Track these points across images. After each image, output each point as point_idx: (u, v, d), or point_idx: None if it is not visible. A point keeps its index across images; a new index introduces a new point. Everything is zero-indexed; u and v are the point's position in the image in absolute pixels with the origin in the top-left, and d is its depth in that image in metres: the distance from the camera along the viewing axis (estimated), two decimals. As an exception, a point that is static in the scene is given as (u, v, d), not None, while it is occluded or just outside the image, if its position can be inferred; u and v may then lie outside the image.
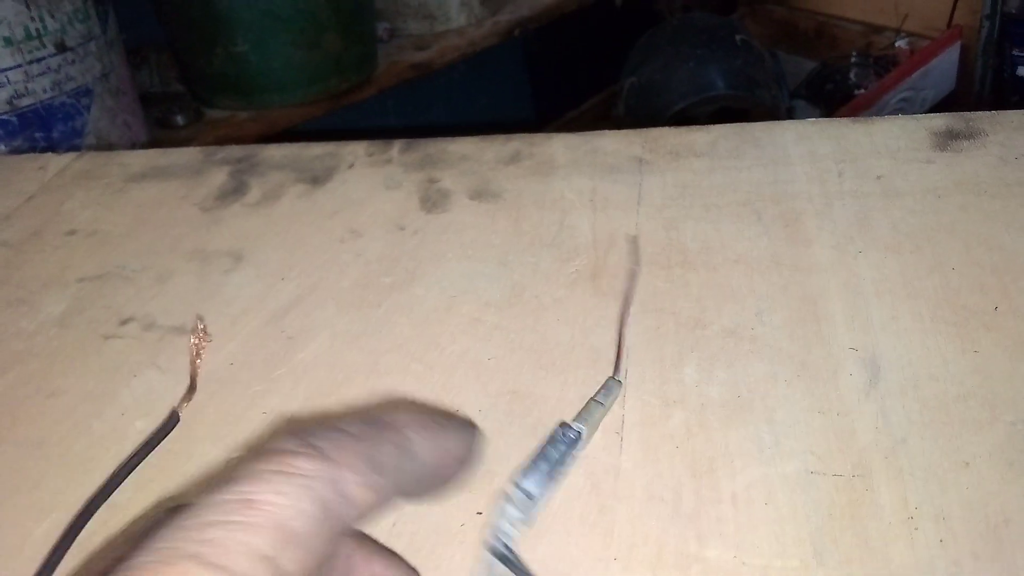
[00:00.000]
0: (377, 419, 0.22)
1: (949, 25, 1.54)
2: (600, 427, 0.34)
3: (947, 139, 0.46)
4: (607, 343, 0.37)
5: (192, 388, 0.35)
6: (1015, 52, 1.70)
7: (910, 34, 1.64)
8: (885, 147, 0.47)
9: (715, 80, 1.45)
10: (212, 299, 0.44)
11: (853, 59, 1.63)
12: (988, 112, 0.48)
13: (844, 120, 0.49)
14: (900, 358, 0.34)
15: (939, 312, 0.36)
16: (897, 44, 1.60)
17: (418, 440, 0.22)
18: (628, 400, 0.35)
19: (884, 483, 0.30)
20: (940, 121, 0.48)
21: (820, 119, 0.50)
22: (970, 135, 0.47)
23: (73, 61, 0.90)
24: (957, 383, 0.33)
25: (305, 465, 0.19)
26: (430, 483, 0.23)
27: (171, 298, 0.44)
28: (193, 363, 0.35)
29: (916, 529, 0.28)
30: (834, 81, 1.61)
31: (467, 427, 0.24)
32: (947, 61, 1.58)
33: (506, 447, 0.34)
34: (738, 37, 1.50)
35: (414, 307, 0.41)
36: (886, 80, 1.51)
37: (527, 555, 0.29)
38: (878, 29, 1.65)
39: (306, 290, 0.43)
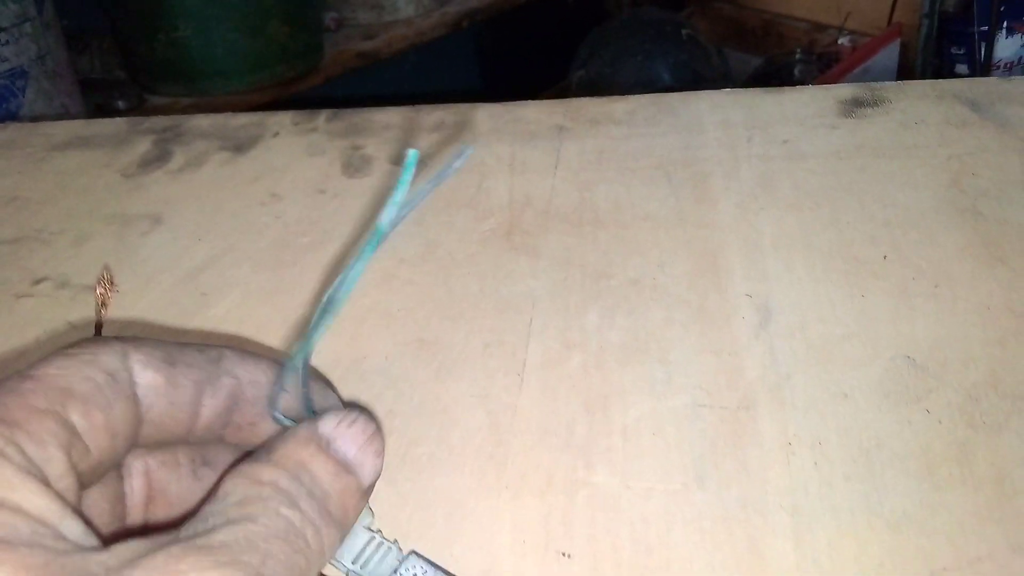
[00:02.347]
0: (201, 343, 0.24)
1: (889, 23, 1.59)
2: (501, 369, 0.34)
3: (853, 107, 0.48)
4: (515, 293, 0.38)
5: (98, 332, 0.35)
6: (953, 50, 1.74)
7: (852, 32, 1.68)
8: (794, 114, 0.48)
9: (661, 74, 1.47)
10: (128, 259, 0.44)
11: (797, 56, 1.67)
12: (894, 82, 0.50)
13: (757, 90, 0.51)
14: (791, 303, 0.36)
15: (831, 263, 0.38)
16: (840, 41, 1.64)
17: (232, 357, 0.24)
18: (531, 345, 0.35)
19: (767, 415, 0.31)
20: (847, 90, 0.50)
21: (735, 90, 0.51)
22: (875, 103, 0.48)
23: (7, 42, 0.89)
24: (843, 325, 0.34)
25: (93, 346, 0.21)
26: (249, 403, 0.24)
27: (87, 259, 0.44)
28: (98, 312, 0.35)
29: (793, 454, 0.29)
30: (779, 77, 1.65)
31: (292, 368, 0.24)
32: (887, 58, 1.62)
33: (409, 389, 0.34)
34: (684, 32, 1.53)
35: (328, 265, 0.42)
36: (828, 76, 1.54)
37: (422, 486, 0.30)
38: (822, 27, 1.69)
39: (222, 251, 0.44)
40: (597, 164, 0.47)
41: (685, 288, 0.37)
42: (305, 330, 0.24)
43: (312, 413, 0.24)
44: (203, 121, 0.56)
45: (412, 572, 0.26)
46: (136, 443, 0.23)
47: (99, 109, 1.12)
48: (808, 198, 0.42)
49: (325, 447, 0.22)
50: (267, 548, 0.19)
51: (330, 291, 0.23)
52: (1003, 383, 0.31)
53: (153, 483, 0.25)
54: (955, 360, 0.32)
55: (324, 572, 0.22)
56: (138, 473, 0.24)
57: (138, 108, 1.13)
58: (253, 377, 0.25)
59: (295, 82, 1.17)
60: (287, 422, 0.24)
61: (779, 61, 1.67)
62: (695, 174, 0.45)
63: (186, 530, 0.19)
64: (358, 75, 1.28)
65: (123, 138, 0.56)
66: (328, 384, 0.28)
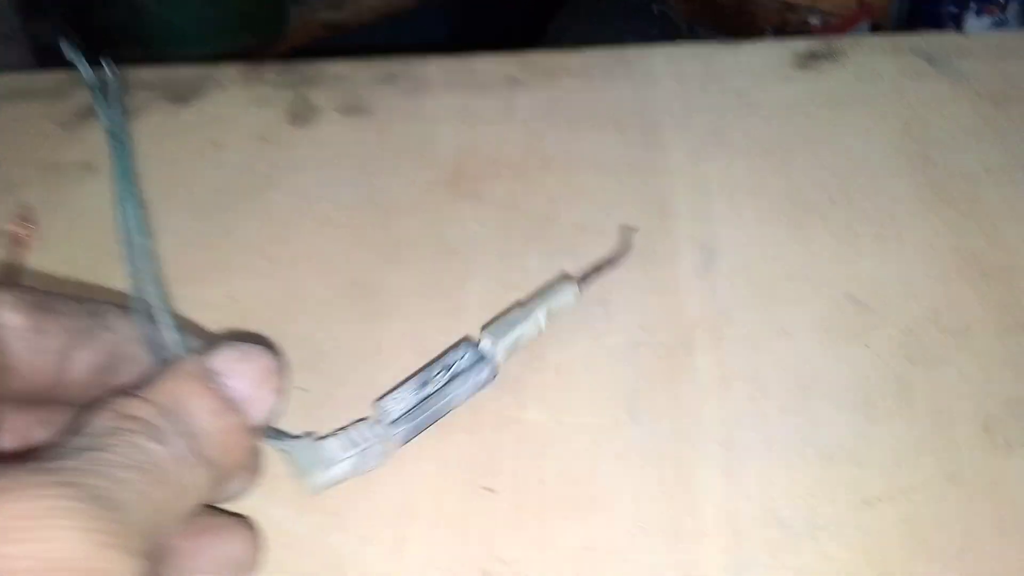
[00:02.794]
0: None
1: (860, 3, 1.59)
2: (437, 311, 0.33)
3: (808, 59, 0.47)
4: (456, 237, 0.37)
5: (14, 273, 0.34)
6: (924, 30, 1.74)
7: (823, 12, 1.68)
8: (749, 67, 0.47)
9: (634, 52, 1.46)
10: (59, 207, 0.42)
11: (768, 35, 1.66)
12: (851, 36, 0.49)
13: (713, 43, 0.50)
14: (736, 245, 0.35)
15: (779, 206, 0.37)
16: (810, 21, 1.64)
17: (116, 312, 0.23)
18: (469, 287, 0.34)
19: (704, 351, 0.30)
20: (804, 44, 0.49)
21: (691, 42, 0.50)
22: (831, 56, 0.48)
23: (-44, 4, 0.86)
24: (787, 265, 0.34)
25: None
26: (129, 362, 0.23)
27: (16, 205, 0.42)
28: (14, 251, 0.34)
29: (728, 389, 0.29)
30: (752, 58, 1.64)
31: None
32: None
33: (340, 331, 0.33)
34: (656, 9, 1.52)
35: (268, 211, 0.40)
36: (800, 56, 1.54)
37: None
38: (792, 7, 1.68)
39: (157, 197, 0.42)
40: (549, 114, 0.46)
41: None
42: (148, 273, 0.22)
43: (185, 347, 0.23)
44: (147, 74, 0.54)
45: (389, 406, 0.26)
46: (3, 392, 0.22)
47: (57, 78, 1.09)
48: (759, 146, 0.41)
49: (210, 383, 0.21)
50: (118, 475, 0.17)
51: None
52: (944, 318, 0.30)
53: (28, 442, 0.23)
54: (897, 297, 0.31)
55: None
56: (12, 429, 0.23)
57: (97, 77, 1.10)
58: (133, 332, 0.23)
59: (258, 52, 1.15)
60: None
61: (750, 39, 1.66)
62: (647, 124, 0.44)
63: (37, 454, 0.18)
64: (325, 46, 1.25)
65: (64, 90, 0.54)
66: (210, 337, 0.27)
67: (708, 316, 0.31)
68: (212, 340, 0.25)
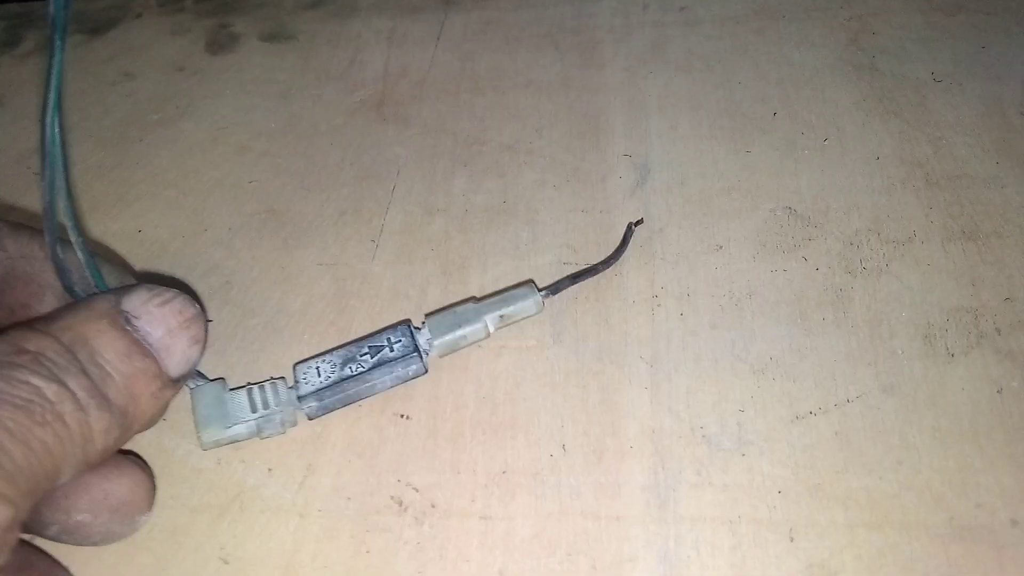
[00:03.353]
0: None
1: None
2: (355, 237, 0.31)
3: (755, -26, 0.45)
4: (379, 162, 0.35)
5: None
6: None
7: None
8: (693, -18, 0.45)
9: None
10: (-42, 142, 0.39)
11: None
12: (799, -49, 0.47)
13: (657, -40, 0.47)
14: (672, 161, 0.33)
15: (719, 121, 0.35)
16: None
17: (5, 227, 0.21)
18: (390, 211, 0.32)
19: (634, 269, 0.28)
20: (751, -41, 0.47)
21: (634, -40, 0.48)
22: (778, -30, 0.45)
23: None
24: (724, 179, 0.32)
25: None
26: (22, 280, 0.21)
27: (-90, 142, 0.39)
28: None
29: (659, 306, 0.27)
30: None
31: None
32: None
33: (251, 260, 0.31)
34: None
35: (178, 140, 0.38)
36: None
37: (253, 356, 0.27)
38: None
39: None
40: (482, 35, 0.43)
41: (562, 151, 0.34)
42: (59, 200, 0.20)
43: (99, 280, 0.21)
44: (59, 5, 0.51)
45: (307, 375, 0.24)
46: None
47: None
48: (700, 61, 0.39)
49: (122, 323, 0.19)
50: None
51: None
52: (886, 229, 0.29)
53: None
54: (838, 209, 0.30)
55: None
56: None
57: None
58: (26, 251, 0.21)
59: None
60: (82, 296, 0.20)
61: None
62: (584, 41, 0.41)
63: None
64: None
65: (-30, 25, 0.50)
66: (120, 262, 0.25)
67: (639, 233, 0.29)
68: (129, 277, 0.23)
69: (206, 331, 0.20)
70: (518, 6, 0.45)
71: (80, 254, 0.20)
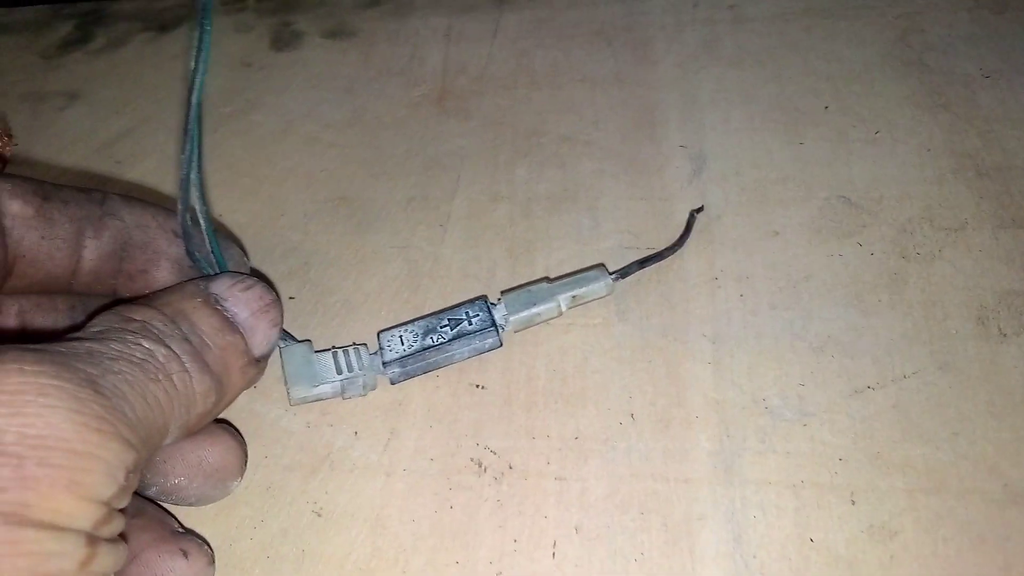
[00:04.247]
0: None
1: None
2: (424, 221, 0.33)
3: (802, -27, 0.46)
4: (443, 153, 0.37)
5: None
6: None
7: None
8: (742, -18, 0.46)
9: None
10: (42, 133, 0.41)
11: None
12: (846, -49, 0.48)
13: (705, -40, 0.49)
14: (727, 152, 0.34)
15: (771, 114, 0.36)
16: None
17: (117, 200, 0.23)
18: (456, 198, 0.34)
19: (694, 252, 0.30)
20: (798, -41, 0.48)
21: (683, -39, 0.49)
22: (825, -30, 0.46)
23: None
24: (778, 169, 0.33)
25: None
26: (139, 248, 0.22)
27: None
28: (-5, 165, 0.33)
29: (719, 288, 0.28)
30: None
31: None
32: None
33: (327, 243, 0.33)
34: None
35: (250, 131, 0.40)
36: None
37: (335, 330, 0.29)
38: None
39: (139, 122, 0.41)
40: (537, 32, 0.45)
41: (618, 142, 0.36)
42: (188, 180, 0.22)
43: (218, 254, 0.23)
44: (127, 5, 0.53)
45: (391, 342, 0.25)
46: (10, 277, 0.21)
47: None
48: (751, 57, 0.40)
49: (213, 303, 0.21)
50: (111, 365, 0.17)
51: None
52: (939, 217, 0.30)
53: (27, 324, 0.23)
54: (891, 198, 0.31)
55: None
56: (11, 313, 0.23)
57: None
58: (141, 220, 0.23)
59: None
60: (207, 267, 0.23)
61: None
62: (637, 38, 0.43)
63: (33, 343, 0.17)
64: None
65: (44, 23, 0.53)
66: (231, 238, 0.27)
67: (698, 219, 0.31)
68: (237, 250, 0.25)
69: (282, 316, 0.22)
70: (570, 5, 0.47)
71: (204, 225, 0.21)
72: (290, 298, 0.30)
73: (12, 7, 0.55)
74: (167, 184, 0.37)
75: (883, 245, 0.29)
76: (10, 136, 0.35)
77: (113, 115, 0.42)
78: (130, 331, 0.19)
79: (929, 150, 0.33)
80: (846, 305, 0.27)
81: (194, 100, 0.20)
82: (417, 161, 0.36)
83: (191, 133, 0.21)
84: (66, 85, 0.45)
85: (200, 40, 0.20)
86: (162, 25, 0.50)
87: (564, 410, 0.25)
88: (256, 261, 0.32)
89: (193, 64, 0.20)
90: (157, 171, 0.38)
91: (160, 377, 0.18)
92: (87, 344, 0.17)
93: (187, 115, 0.20)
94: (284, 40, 0.47)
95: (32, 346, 0.16)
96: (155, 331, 0.19)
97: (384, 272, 0.31)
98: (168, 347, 0.19)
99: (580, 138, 0.36)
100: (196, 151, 0.21)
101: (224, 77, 0.44)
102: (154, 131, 0.41)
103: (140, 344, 0.18)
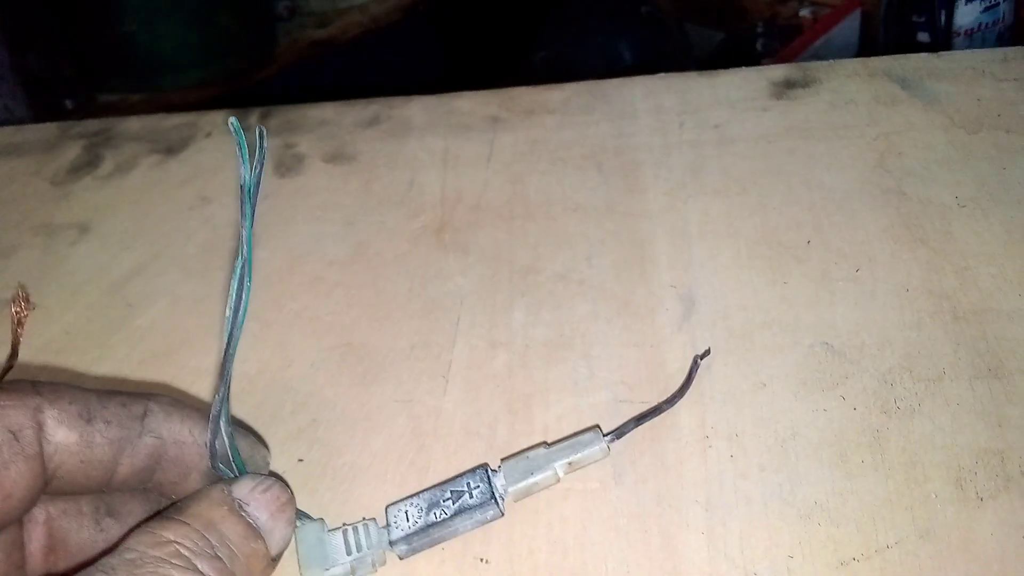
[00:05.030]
0: (129, 392, 0.24)
1: (849, -8, 1.58)
2: (427, 372, 0.34)
3: (784, 88, 0.48)
4: (443, 293, 0.38)
5: (13, 355, 0.34)
6: (915, 18, 1.74)
7: (814, 3, 1.67)
8: (726, 98, 0.48)
9: (622, 53, 1.47)
10: (54, 271, 0.43)
11: (759, 29, 1.66)
12: (826, 62, 0.50)
13: (690, 74, 0.51)
14: (714, 292, 0.36)
15: (756, 249, 0.38)
16: (801, 13, 1.63)
17: (158, 413, 0.24)
18: (457, 345, 0.35)
19: (686, 408, 0.31)
20: (780, 71, 0.50)
21: (668, 74, 0.51)
22: (806, 83, 0.48)
23: (-57, 44, 0.86)
24: (764, 311, 0.34)
25: (4, 398, 0.20)
26: (172, 463, 0.24)
27: (12, 273, 0.43)
28: (14, 331, 0.35)
29: (710, 447, 0.30)
30: (741, 51, 1.64)
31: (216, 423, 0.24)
32: (849, 28, 1.62)
33: (334, 396, 0.34)
34: (644, 9, 1.52)
35: (257, 269, 0.41)
36: (789, 49, 1.54)
37: (343, 496, 0.30)
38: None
39: (149, 258, 0.43)
40: (530, 155, 0.46)
41: (611, 281, 0.37)
42: (220, 378, 0.24)
43: (240, 464, 0.25)
44: (135, 123, 0.55)
45: (397, 518, 0.27)
46: (41, 497, 0.23)
47: (47, 109, 1.10)
48: (736, 184, 0.41)
49: (237, 510, 0.23)
50: None
51: (226, 333, 0.24)
52: (917, 366, 0.31)
53: (54, 532, 0.24)
54: (872, 345, 0.32)
55: None
56: (38, 522, 0.24)
57: (88, 107, 1.11)
58: (178, 436, 0.24)
59: (248, 74, 1.16)
60: (230, 475, 0.24)
61: (741, 35, 1.66)
62: (626, 163, 0.44)
63: None
64: (314, 65, 1.26)
65: (53, 143, 0.55)
66: (256, 437, 0.28)
67: (688, 370, 0.32)
68: (262, 449, 0.27)
69: (295, 510, 0.24)
70: (561, 125, 0.48)
71: (228, 445, 0.23)
72: (299, 460, 0.31)
73: (21, 125, 0.57)
74: (177, 331, 0.38)
75: (865, 398, 0.30)
76: (28, 301, 0.36)
77: (123, 250, 0.44)
78: (161, 560, 0.20)
79: (908, 290, 0.34)
80: (831, 466, 0.28)
81: (231, 349, 0.22)
82: (418, 303, 0.38)
83: (225, 377, 0.23)
84: (76, 216, 0.47)
85: (239, 292, 0.22)
86: (169, 147, 0.52)
87: (565, 588, 0.26)
88: (268, 417, 0.33)
89: (228, 326, 0.23)
90: (169, 315, 0.39)
91: None
92: None
93: (223, 360, 0.23)
94: (287, 165, 0.49)
95: None
96: (186, 553, 0.20)
97: (390, 430, 0.32)
98: (198, 571, 0.20)
99: (574, 276, 0.38)
100: (227, 392, 0.23)
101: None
102: (164, 269, 0.42)
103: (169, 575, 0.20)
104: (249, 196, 0.23)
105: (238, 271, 0.24)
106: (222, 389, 0.23)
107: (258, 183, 0.24)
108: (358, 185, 0.46)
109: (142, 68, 1.09)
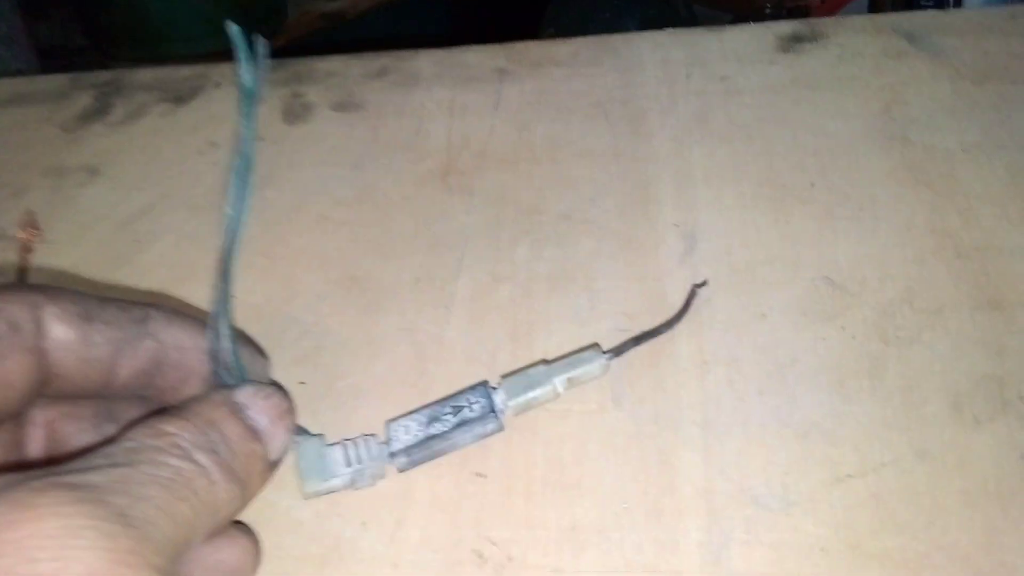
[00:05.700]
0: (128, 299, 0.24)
1: (859, -25, 1.57)
2: (430, 303, 0.35)
3: (791, 42, 0.48)
4: (448, 231, 0.38)
5: (22, 280, 0.35)
6: (923, 2, 1.73)
7: (823, -14, 1.66)
8: (733, 52, 0.48)
9: (630, 31, 1.46)
10: (64, 210, 0.43)
11: (767, 11, 1.65)
12: (832, 17, 0.50)
13: (698, 29, 0.51)
14: (717, 230, 0.36)
15: (760, 191, 0.38)
16: (810, -5, 1.62)
17: (158, 318, 0.24)
18: (460, 279, 0.36)
19: (685, 336, 0.31)
20: (787, 27, 0.49)
21: (676, 29, 0.51)
22: (813, 38, 0.48)
23: (-44, 7, 0.87)
24: (766, 248, 0.35)
25: (4, 294, 0.20)
26: (172, 368, 0.24)
27: (22, 212, 0.44)
28: (22, 256, 0.35)
29: (708, 372, 0.30)
30: (751, 33, 1.63)
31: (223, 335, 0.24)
32: (857, 9, 1.61)
33: (338, 325, 0.34)
34: (654, -12, 1.51)
35: (264, 209, 0.42)
36: (799, 30, 1.53)
37: (345, 416, 0.30)
38: (792, -19, 1.66)
39: (158, 198, 0.43)
40: (537, 104, 0.46)
41: (615, 220, 0.37)
42: (218, 292, 0.24)
43: (243, 371, 0.25)
44: (145, 74, 0.56)
45: (397, 432, 0.27)
46: (42, 394, 0.23)
47: (58, 76, 1.11)
48: (741, 130, 0.42)
49: (237, 413, 0.23)
50: (140, 492, 0.18)
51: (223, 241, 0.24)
52: (918, 298, 0.31)
53: (54, 434, 0.24)
54: (872, 279, 0.32)
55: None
56: (38, 424, 0.24)
57: (98, 75, 1.12)
58: (178, 341, 0.25)
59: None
60: (231, 380, 0.25)
61: (750, 17, 1.65)
62: (633, 111, 0.45)
63: (65, 466, 0.19)
64: (324, 37, 1.26)
65: (64, 93, 0.55)
66: (256, 348, 0.28)
67: (689, 301, 0.32)
68: (262, 359, 0.27)
69: (296, 419, 0.24)
70: (569, 76, 0.49)
71: (229, 348, 0.23)
72: (301, 383, 0.32)
73: (33, 76, 0.58)
74: (182, 265, 0.39)
75: (865, 328, 0.31)
76: (36, 228, 0.37)
77: (133, 191, 0.44)
78: (160, 448, 0.20)
79: (910, 229, 0.34)
80: (829, 391, 0.29)
81: (228, 244, 0.22)
82: (423, 240, 0.38)
83: (226, 273, 0.23)
84: (86, 160, 0.47)
85: (241, 190, 0.23)
86: (178, 97, 0.52)
87: (562, 500, 0.27)
88: (271, 344, 0.33)
89: (230, 210, 0.23)
90: (175, 250, 0.40)
91: (187, 494, 0.20)
92: (119, 471, 0.19)
93: (223, 257, 0.23)
94: (295, 113, 0.49)
95: (67, 480, 0.18)
96: (184, 445, 0.21)
97: (392, 356, 0.33)
98: (195, 461, 0.20)
99: (578, 216, 0.38)
100: (228, 290, 0.23)
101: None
102: (173, 208, 0.42)
103: (168, 463, 0.20)
104: (249, 96, 0.23)
105: (237, 168, 0.24)
106: (222, 288, 0.23)
107: (259, 88, 0.24)
108: (365, 132, 0.46)
109: (154, 37, 1.10)
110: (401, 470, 0.28)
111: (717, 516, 0.25)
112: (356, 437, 0.28)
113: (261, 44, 0.25)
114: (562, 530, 0.26)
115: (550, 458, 0.28)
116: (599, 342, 0.31)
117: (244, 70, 0.24)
